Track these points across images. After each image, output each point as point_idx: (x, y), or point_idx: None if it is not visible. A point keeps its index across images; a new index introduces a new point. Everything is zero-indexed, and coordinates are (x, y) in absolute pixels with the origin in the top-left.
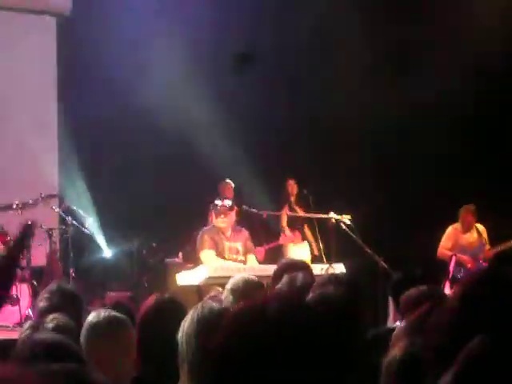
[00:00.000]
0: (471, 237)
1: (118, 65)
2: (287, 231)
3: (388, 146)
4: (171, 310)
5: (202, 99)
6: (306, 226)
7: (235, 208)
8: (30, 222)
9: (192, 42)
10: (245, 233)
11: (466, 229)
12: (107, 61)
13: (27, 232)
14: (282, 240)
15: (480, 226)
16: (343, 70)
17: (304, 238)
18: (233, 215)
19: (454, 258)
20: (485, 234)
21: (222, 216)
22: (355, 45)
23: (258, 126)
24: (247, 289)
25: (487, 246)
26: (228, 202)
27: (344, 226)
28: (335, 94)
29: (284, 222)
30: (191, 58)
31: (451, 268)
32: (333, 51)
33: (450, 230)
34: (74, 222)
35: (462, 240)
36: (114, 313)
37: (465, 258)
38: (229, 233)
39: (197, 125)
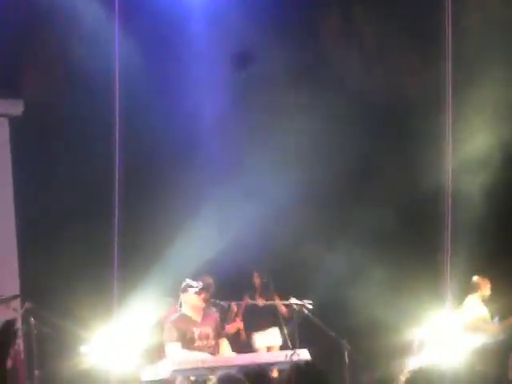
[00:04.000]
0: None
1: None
2: (236, 323)
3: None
4: None
5: None
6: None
7: (206, 292)
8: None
9: None
10: (215, 316)
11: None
12: (60, 157)
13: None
14: (227, 329)
15: None
16: None
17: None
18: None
19: (415, 335)
20: None
21: (200, 295)
22: None
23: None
24: None
25: None
26: (201, 283)
27: (306, 311)
28: None
29: (235, 313)
30: None
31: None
32: None
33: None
34: (37, 322)
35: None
36: None
37: None
38: (199, 317)
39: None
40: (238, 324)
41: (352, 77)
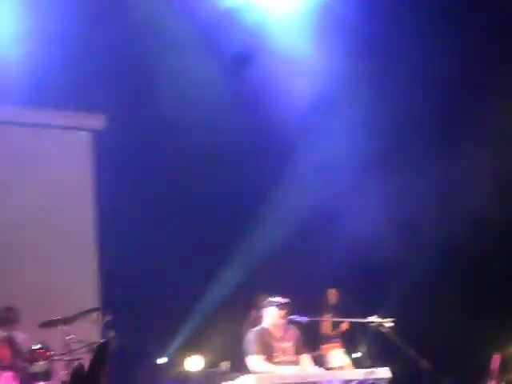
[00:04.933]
0: None
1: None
2: (330, 338)
3: None
4: None
5: None
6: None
7: (287, 308)
8: None
9: None
10: (296, 332)
11: None
12: (142, 173)
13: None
14: (324, 350)
15: None
16: None
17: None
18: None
19: (496, 358)
20: None
21: (282, 311)
22: None
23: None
24: None
25: None
26: (283, 299)
27: (385, 330)
28: None
29: (327, 329)
30: None
31: (493, 367)
32: None
33: None
34: (116, 335)
35: None
36: None
37: None
38: (280, 332)
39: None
40: (336, 345)
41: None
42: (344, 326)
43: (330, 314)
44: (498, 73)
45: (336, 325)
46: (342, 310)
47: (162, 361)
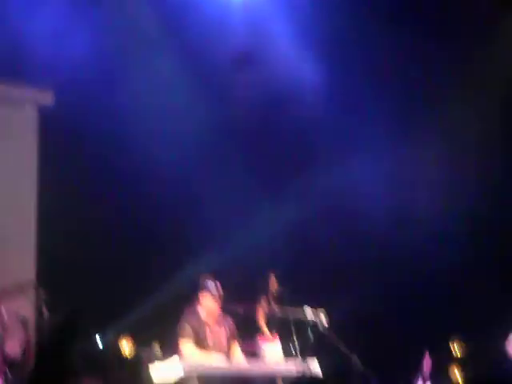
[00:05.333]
0: None
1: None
2: (265, 330)
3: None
4: None
5: None
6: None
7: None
8: None
9: None
10: (228, 319)
11: None
12: (89, 152)
13: None
14: (259, 341)
15: None
16: None
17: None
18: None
19: (426, 353)
20: None
21: (217, 301)
22: None
23: None
24: None
25: None
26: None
27: (318, 322)
28: None
29: (261, 320)
30: None
31: (424, 364)
32: None
33: None
34: (50, 312)
35: None
36: None
37: None
38: (214, 320)
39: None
40: (271, 336)
41: None
42: (278, 316)
43: (268, 302)
44: None
45: (273, 314)
46: (280, 299)
47: (96, 341)
